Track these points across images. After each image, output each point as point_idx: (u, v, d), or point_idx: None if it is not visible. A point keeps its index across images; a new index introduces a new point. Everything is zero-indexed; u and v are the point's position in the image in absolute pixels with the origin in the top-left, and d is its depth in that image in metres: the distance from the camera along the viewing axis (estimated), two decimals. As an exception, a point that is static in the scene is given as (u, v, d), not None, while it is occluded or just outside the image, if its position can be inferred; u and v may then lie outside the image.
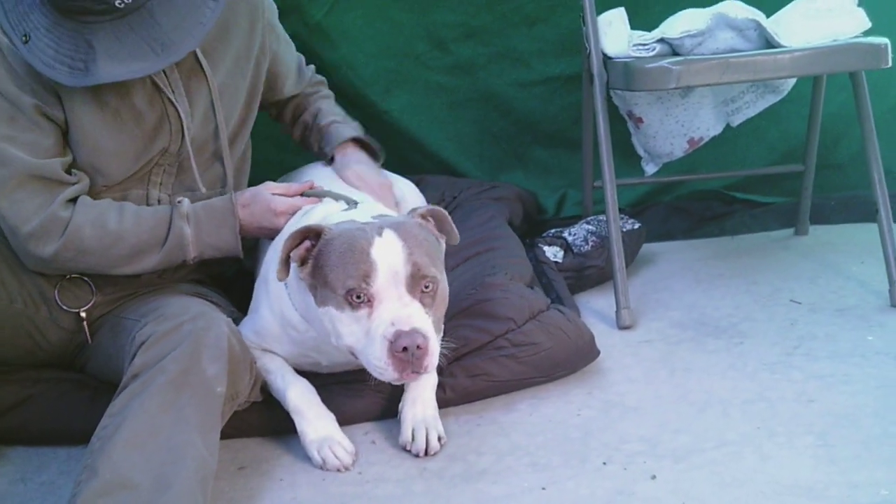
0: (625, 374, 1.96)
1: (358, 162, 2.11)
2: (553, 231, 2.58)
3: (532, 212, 2.75)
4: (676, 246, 2.76)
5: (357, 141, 2.17)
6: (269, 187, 1.95)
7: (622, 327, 2.17)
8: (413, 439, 1.69)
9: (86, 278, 1.83)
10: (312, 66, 2.32)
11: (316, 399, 1.75)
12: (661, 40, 2.27)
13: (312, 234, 1.63)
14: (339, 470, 1.64)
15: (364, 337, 1.54)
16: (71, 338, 1.85)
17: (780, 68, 2.03)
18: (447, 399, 1.82)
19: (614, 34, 2.32)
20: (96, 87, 1.68)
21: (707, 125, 2.71)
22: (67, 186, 1.72)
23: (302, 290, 1.68)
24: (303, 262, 1.64)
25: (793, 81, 2.67)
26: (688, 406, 1.80)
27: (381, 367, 1.52)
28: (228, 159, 1.95)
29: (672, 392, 1.86)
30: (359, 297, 1.54)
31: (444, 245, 1.73)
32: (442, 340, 1.62)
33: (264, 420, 1.77)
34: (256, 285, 1.90)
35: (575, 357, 1.92)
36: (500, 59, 2.93)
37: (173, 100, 1.81)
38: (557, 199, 2.98)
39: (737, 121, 2.74)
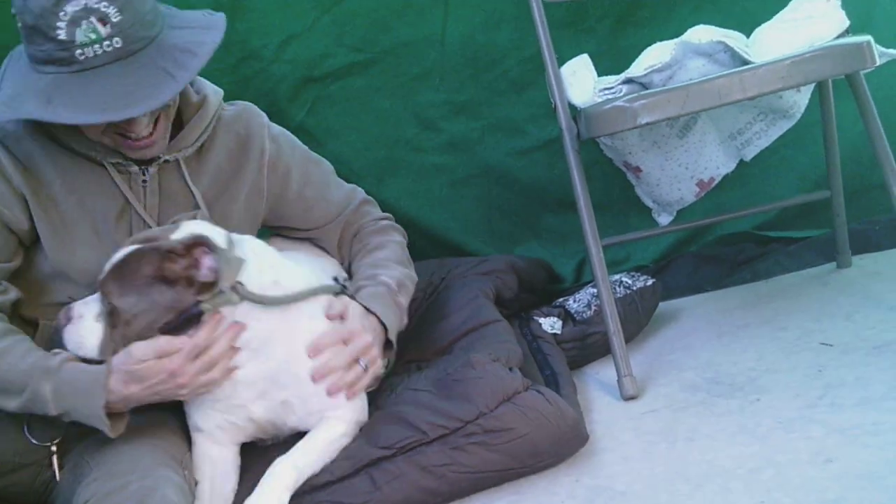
0: (621, 452, 1.73)
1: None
2: (559, 301, 2.39)
3: (536, 281, 2.56)
4: (703, 299, 2.50)
5: None
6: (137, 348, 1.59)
7: (626, 398, 1.94)
8: None
9: None
10: (368, 214, 2.14)
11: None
12: (629, 81, 2.11)
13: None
14: None
15: None
16: (39, 474, 1.74)
17: (748, 88, 1.82)
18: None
19: (580, 83, 2.17)
20: (78, 196, 1.72)
21: (716, 163, 2.50)
22: None
23: None
24: None
25: (804, 103, 2.45)
26: (683, 483, 1.56)
27: None
28: None
29: (668, 468, 1.62)
30: None
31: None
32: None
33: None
34: None
35: (558, 443, 1.70)
36: (494, 130, 2.80)
37: (143, 218, 1.76)
38: (576, 265, 2.79)
39: (750, 154, 2.52)
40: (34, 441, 1.70)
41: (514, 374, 1.83)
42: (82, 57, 1.54)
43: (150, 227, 1.77)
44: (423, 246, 2.80)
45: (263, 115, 1.95)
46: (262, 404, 1.71)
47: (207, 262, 1.58)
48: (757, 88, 1.83)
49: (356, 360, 1.74)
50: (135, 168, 1.75)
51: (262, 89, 2.57)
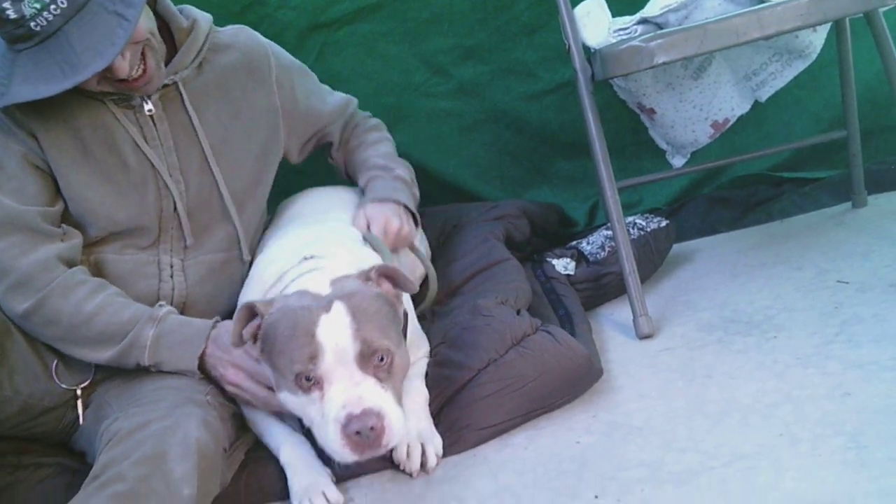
0: (637, 389, 1.74)
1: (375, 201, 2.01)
2: (574, 243, 2.39)
3: (548, 224, 2.56)
4: (717, 240, 2.50)
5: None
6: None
7: (642, 337, 1.95)
8: (408, 456, 1.58)
9: None
10: (361, 113, 2.31)
11: (308, 451, 1.65)
12: (644, 21, 2.08)
13: (258, 312, 1.55)
14: None
15: (321, 419, 1.46)
16: (63, 417, 1.77)
17: (766, 26, 1.79)
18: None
19: (594, 24, 2.14)
20: (81, 137, 1.73)
21: (730, 105, 2.47)
22: (52, 239, 1.70)
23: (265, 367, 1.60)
24: (255, 340, 1.57)
25: (819, 43, 2.40)
26: (702, 419, 1.57)
27: (338, 450, 1.43)
28: (238, 220, 1.89)
29: (686, 404, 1.63)
30: (308, 378, 1.45)
31: (402, 304, 1.63)
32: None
33: (242, 490, 1.64)
34: None
35: (571, 381, 1.71)
36: (505, 74, 2.77)
37: (147, 153, 1.77)
38: (588, 209, 2.78)
39: (765, 95, 2.49)
40: (62, 385, 1.73)
41: (521, 317, 1.84)
42: (38, 28, 1.57)
43: (165, 158, 1.80)
44: (434, 192, 2.79)
45: (258, 34, 2.03)
46: None
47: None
48: (776, 27, 1.80)
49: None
50: (136, 100, 1.77)
51: (267, 36, 2.54)
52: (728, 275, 2.20)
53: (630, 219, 2.36)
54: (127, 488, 1.37)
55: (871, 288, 1.91)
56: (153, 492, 1.38)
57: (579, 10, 2.17)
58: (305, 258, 1.71)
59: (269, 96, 1.96)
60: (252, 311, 1.55)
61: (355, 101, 2.29)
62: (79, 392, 1.75)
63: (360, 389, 1.43)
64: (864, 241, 2.18)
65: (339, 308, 1.48)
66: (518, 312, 1.84)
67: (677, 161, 2.58)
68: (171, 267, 1.84)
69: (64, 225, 1.75)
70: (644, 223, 2.33)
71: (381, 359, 1.47)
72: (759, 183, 2.68)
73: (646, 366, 1.83)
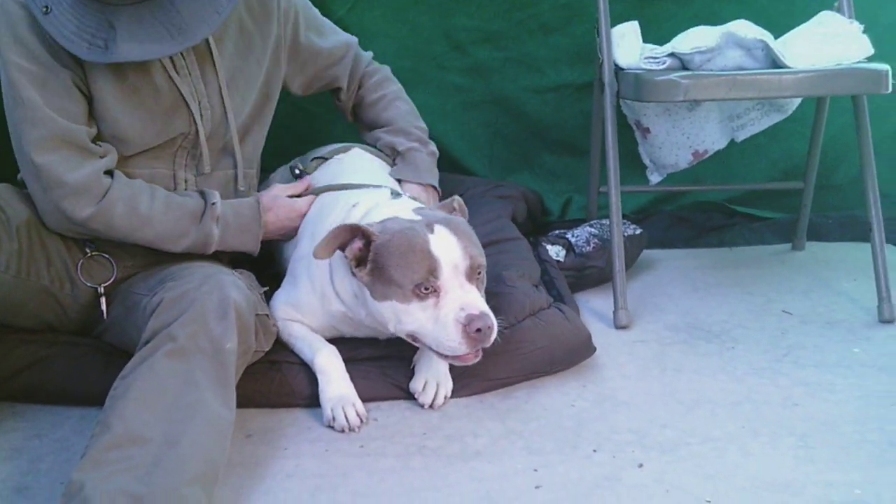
0: (619, 370, 2.04)
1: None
2: (557, 231, 2.67)
3: (536, 211, 2.84)
4: (676, 254, 2.84)
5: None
6: (279, 189, 2.11)
7: (619, 326, 2.25)
8: (423, 390, 1.84)
9: (107, 256, 1.91)
10: (365, 57, 2.38)
11: (340, 364, 1.88)
12: (672, 54, 2.36)
13: (361, 235, 1.76)
14: (343, 431, 1.76)
15: (432, 323, 1.70)
16: (89, 313, 1.93)
17: (784, 88, 2.11)
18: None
19: (627, 46, 2.40)
20: (118, 64, 1.77)
21: (712, 139, 2.80)
22: (97, 157, 1.80)
23: (353, 282, 1.83)
24: (359, 263, 1.77)
25: (797, 102, 2.75)
26: (677, 404, 1.88)
27: (455, 346, 1.69)
28: (238, 151, 2.01)
29: (662, 390, 1.94)
30: (426, 288, 1.70)
31: None
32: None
33: (274, 390, 1.86)
34: (294, 261, 2.01)
35: (571, 354, 2.00)
36: (515, 64, 3.02)
37: (177, 82, 1.87)
38: (562, 203, 3.07)
39: (741, 136, 2.83)
40: (86, 283, 1.89)
41: (539, 291, 2.11)
42: None
43: (194, 87, 1.90)
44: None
45: None
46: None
47: None
48: (792, 90, 2.12)
49: None
50: None
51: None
52: (688, 287, 2.54)
53: (607, 221, 2.65)
54: (178, 346, 1.56)
55: (812, 322, 2.28)
56: (200, 348, 1.58)
57: (616, 32, 2.43)
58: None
59: (276, 26, 2.05)
60: (353, 233, 1.76)
61: (355, 41, 2.33)
62: (101, 290, 1.90)
63: (471, 296, 1.71)
64: (804, 281, 2.56)
65: (441, 229, 1.74)
66: (536, 287, 2.10)
67: (654, 178, 2.89)
68: (186, 182, 1.97)
69: (101, 142, 1.85)
70: (622, 228, 2.62)
71: (479, 273, 1.75)
72: (715, 210, 3.05)
73: (624, 352, 2.13)
